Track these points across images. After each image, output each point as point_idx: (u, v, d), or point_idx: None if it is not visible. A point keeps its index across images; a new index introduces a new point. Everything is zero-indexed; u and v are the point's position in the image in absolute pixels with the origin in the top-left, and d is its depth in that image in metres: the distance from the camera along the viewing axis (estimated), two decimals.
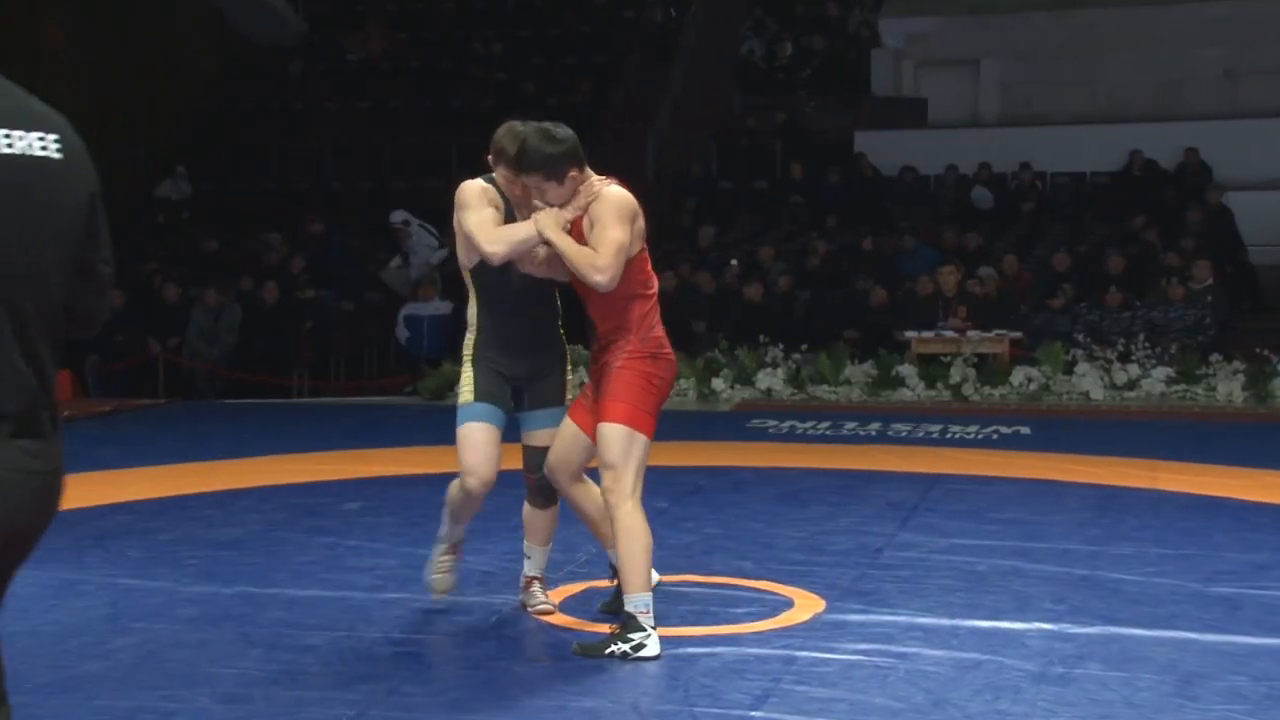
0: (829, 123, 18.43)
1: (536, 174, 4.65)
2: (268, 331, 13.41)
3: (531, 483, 4.98)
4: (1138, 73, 18.04)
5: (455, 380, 4.73)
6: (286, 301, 13.86)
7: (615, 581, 4.89)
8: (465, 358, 4.86)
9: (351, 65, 20.35)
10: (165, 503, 7.45)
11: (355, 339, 14.36)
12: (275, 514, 7.11)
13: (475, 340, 4.84)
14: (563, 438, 4.87)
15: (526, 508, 5.06)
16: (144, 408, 11.97)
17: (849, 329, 12.93)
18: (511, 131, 4.78)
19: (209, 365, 13.16)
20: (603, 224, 4.64)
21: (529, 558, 5.14)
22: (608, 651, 4.54)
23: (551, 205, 4.68)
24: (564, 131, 4.69)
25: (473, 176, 4.93)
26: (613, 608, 4.91)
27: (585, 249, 4.62)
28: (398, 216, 15.35)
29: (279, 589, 5.58)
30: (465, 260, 4.86)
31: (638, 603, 4.58)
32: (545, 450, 4.86)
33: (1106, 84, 18.20)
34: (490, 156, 4.84)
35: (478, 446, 4.76)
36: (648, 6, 20.10)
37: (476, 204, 4.76)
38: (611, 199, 4.68)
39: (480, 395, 4.77)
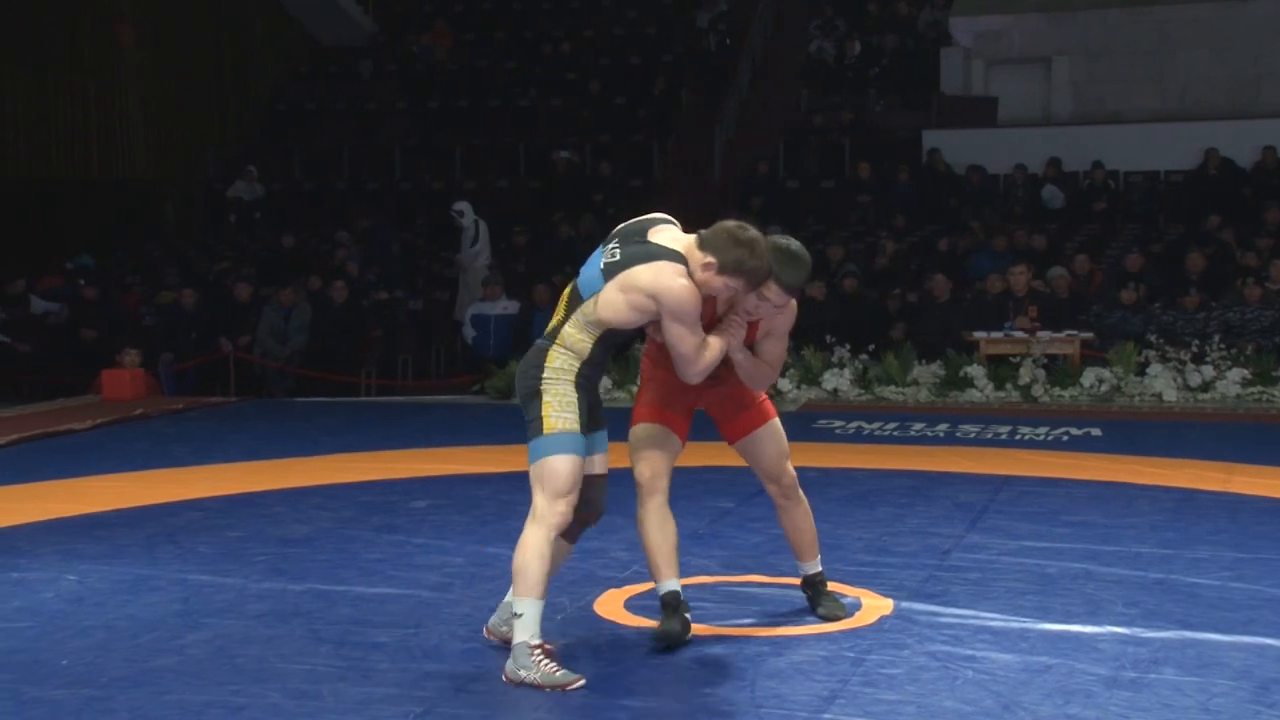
0: (897, 122, 18.31)
1: (795, 295, 4.60)
2: (337, 330, 13.52)
3: (590, 518, 4.66)
4: (1213, 70, 17.77)
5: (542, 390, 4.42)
6: (355, 300, 13.96)
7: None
8: (567, 380, 4.41)
9: (420, 65, 20.48)
10: (235, 500, 7.53)
11: (423, 338, 14.45)
12: (344, 511, 7.17)
13: (580, 370, 4.44)
14: (770, 440, 4.87)
15: (564, 520, 4.44)
16: (215, 406, 12.11)
17: (917, 330, 12.81)
18: (789, 255, 4.51)
19: (279, 364, 13.29)
20: (779, 337, 4.74)
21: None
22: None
23: (752, 315, 4.58)
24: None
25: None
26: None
27: (760, 364, 4.70)
28: (458, 206, 15.50)
29: (347, 586, 5.62)
30: (615, 323, 4.41)
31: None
32: (604, 478, 4.60)
33: (1180, 81, 17.94)
34: (720, 262, 4.37)
35: (576, 476, 4.39)
36: (714, 9, 20.05)
37: (696, 321, 4.41)
38: (793, 313, 4.75)
39: (583, 429, 4.41)
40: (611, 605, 5.29)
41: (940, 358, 12.05)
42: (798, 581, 5.17)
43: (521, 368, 4.51)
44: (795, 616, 5.11)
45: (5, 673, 4.56)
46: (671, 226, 4.52)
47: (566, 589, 5.45)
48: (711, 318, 4.57)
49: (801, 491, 5.01)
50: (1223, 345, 11.87)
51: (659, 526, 4.67)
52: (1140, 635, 4.84)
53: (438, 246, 16.50)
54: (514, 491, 7.56)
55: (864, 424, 10.36)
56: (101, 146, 18.26)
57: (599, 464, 4.57)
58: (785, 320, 4.70)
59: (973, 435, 9.78)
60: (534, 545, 4.34)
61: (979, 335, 12.14)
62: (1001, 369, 11.82)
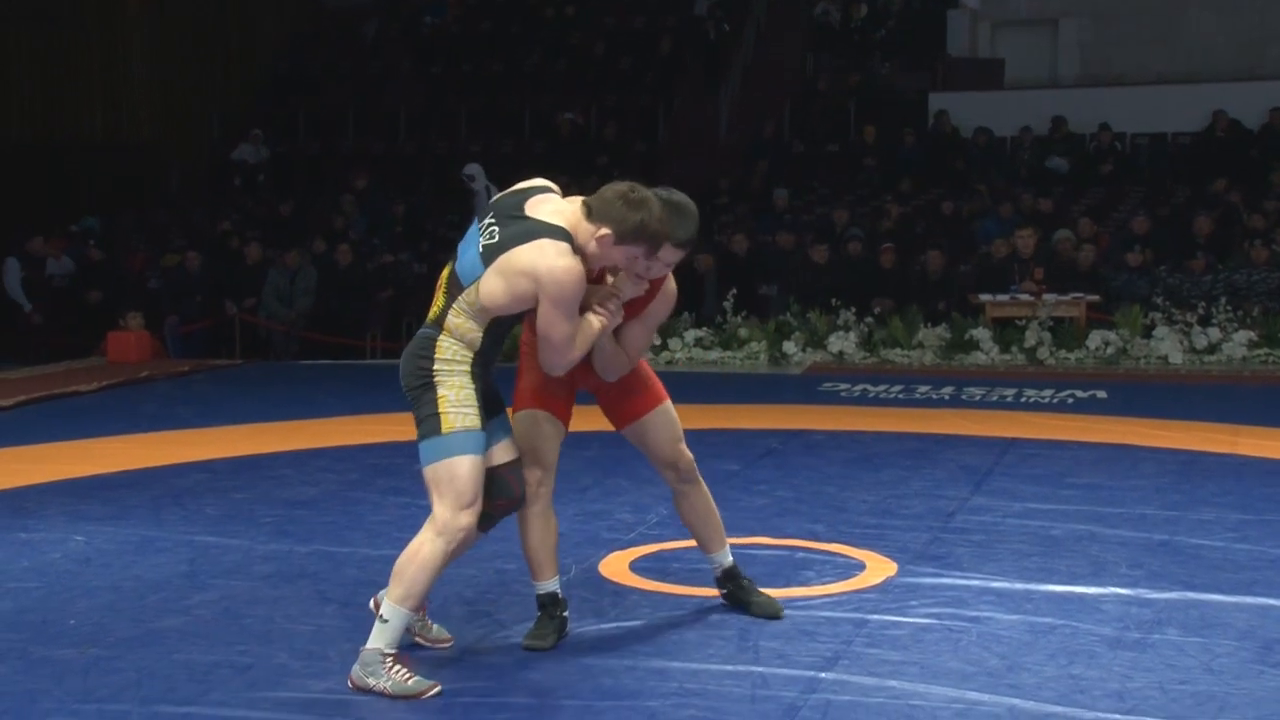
0: (904, 84, 18.22)
1: (686, 251, 4.20)
2: (342, 293, 13.52)
3: (511, 505, 4.26)
4: (1220, 31, 17.67)
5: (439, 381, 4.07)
6: (360, 263, 13.95)
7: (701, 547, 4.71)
8: (462, 372, 4.04)
9: (424, 28, 20.38)
10: (241, 462, 7.55)
11: (428, 301, 14.42)
12: (350, 474, 7.18)
13: (474, 360, 4.06)
14: (661, 426, 4.48)
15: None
16: (221, 368, 12.12)
17: (919, 296, 12.78)
18: (678, 210, 4.14)
19: (285, 327, 13.29)
20: (649, 326, 4.37)
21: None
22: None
23: (642, 280, 4.17)
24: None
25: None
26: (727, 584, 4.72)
27: (619, 353, 4.32)
28: (469, 169, 15.43)
29: (354, 548, 5.64)
30: (501, 311, 4.02)
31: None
32: (516, 462, 4.22)
33: (1188, 43, 17.84)
34: (617, 231, 3.98)
35: (479, 481, 4.05)
36: None
37: (574, 306, 3.98)
38: (671, 299, 4.39)
39: (483, 424, 4.05)
40: (616, 567, 5.31)
41: (946, 321, 12.04)
42: (804, 544, 5.14)
43: (407, 356, 4.12)
44: (800, 578, 5.13)
45: (14, 632, 4.58)
46: (551, 195, 4.10)
47: (571, 551, 5.46)
48: (599, 279, 4.19)
49: (699, 475, 4.61)
50: (1229, 307, 11.85)
51: (541, 530, 4.35)
52: (1144, 596, 4.85)
53: (443, 210, 16.46)
54: None
55: (869, 387, 10.36)
56: (106, 110, 18.22)
57: (504, 451, 4.17)
58: (663, 306, 4.35)
59: (978, 398, 9.78)
60: (427, 557, 3.99)
61: (984, 298, 12.12)
62: (1007, 332, 11.81)
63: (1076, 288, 12.09)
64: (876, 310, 12.32)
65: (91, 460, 7.58)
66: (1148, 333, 11.72)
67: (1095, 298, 12.10)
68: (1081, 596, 4.86)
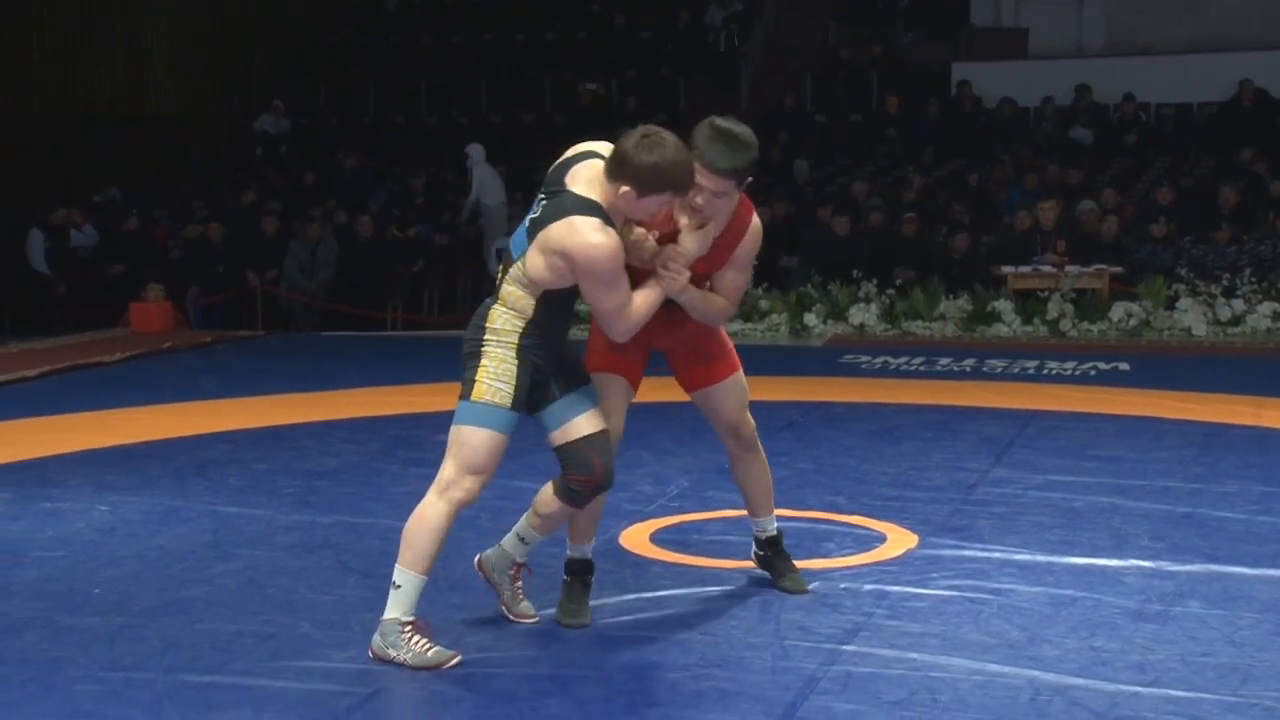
0: (926, 54, 18.11)
1: (731, 180, 4.03)
2: (363, 265, 13.53)
3: (592, 484, 4.12)
4: None
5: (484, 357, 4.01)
6: (381, 235, 13.96)
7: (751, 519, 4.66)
8: (509, 345, 3.98)
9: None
10: (263, 433, 7.58)
11: (449, 273, 14.44)
12: (371, 445, 7.21)
13: (525, 331, 3.99)
14: (732, 393, 4.44)
15: (562, 504, 4.17)
16: (243, 339, 12.16)
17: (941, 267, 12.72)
18: (721, 136, 4.04)
19: (306, 298, 13.32)
20: (740, 267, 4.24)
21: (524, 540, 4.32)
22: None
23: (708, 221, 4.05)
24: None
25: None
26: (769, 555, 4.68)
27: (712, 299, 4.21)
28: (470, 148, 15.35)
29: (375, 519, 5.66)
30: (548, 286, 3.95)
31: None
32: (601, 435, 4.11)
33: (1214, 12, 17.66)
34: (637, 185, 3.85)
35: (494, 455, 4.03)
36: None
37: (616, 279, 3.90)
38: (758, 236, 4.26)
39: (516, 405, 4.00)
40: (637, 538, 5.32)
41: (968, 292, 12.00)
42: (825, 516, 5.14)
43: (470, 325, 4.08)
44: (821, 550, 5.13)
45: (40, 601, 4.62)
46: (591, 162, 3.98)
47: None
48: (667, 228, 4.09)
49: (759, 444, 4.60)
50: (1253, 279, 11.77)
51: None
52: (1166, 569, 4.84)
53: (464, 181, 16.45)
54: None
55: (890, 359, 10.33)
56: (128, 81, 18.24)
57: (588, 422, 4.08)
58: (752, 243, 4.24)
59: (1000, 370, 9.75)
60: (433, 519, 3.99)
61: (1007, 270, 12.07)
62: (1029, 303, 11.76)
63: (1099, 259, 12.02)
64: (898, 282, 12.28)
65: (115, 431, 7.62)
66: (1171, 304, 11.66)
67: (1118, 269, 12.03)
68: (1103, 569, 4.86)
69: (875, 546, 5.17)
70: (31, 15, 17.02)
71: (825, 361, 10.46)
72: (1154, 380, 9.15)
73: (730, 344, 4.51)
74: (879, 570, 4.87)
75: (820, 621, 4.30)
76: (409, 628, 3.98)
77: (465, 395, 4.02)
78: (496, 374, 3.98)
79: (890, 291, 12.18)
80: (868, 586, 4.67)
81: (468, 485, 4.01)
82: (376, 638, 4.02)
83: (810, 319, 11.99)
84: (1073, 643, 4.11)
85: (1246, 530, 5.36)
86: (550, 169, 4.06)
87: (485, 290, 14.08)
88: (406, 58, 19.46)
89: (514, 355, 3.98)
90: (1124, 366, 9.83)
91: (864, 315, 11.93)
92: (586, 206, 3.88)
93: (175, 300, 13.05)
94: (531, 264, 3.93)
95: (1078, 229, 12.41)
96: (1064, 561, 4.94)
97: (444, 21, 19.94)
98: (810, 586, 4.62)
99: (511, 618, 4.36)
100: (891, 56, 17.98)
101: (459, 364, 4.08)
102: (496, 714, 3.66)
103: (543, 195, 3.97)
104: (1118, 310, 11.59)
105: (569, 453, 4.08)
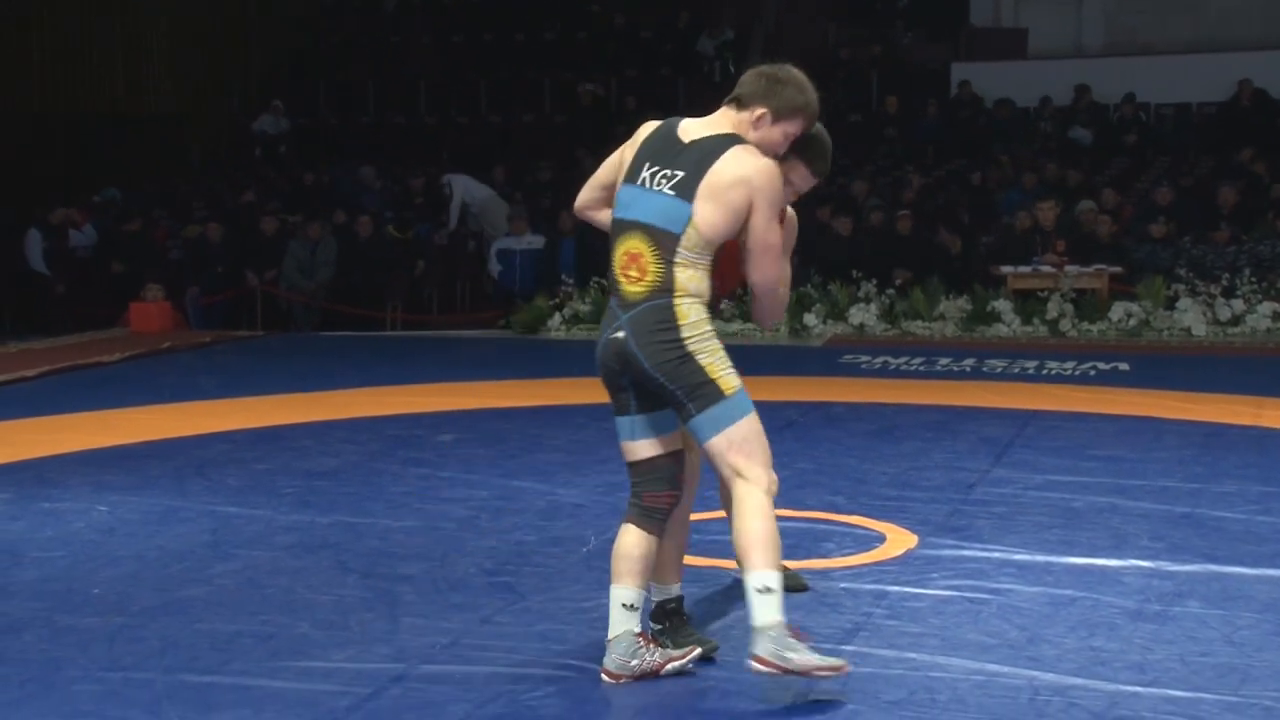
0: (926, 54, 18.11)
1: (814, 178, 4.19)
2: (362, 265, 13.53)
3: (667, 501, 3.95)
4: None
5: (704, 353, 3.79)
6: (380, 235, 13.96)
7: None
8: (711, 334, 3.80)
9: None
10: (263, 433, 7.57)
11: (449, 273, 14.45)
12: (371, 445, 7.20)
13: (709, 318, 3.83)
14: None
15: (647, 542, 3.94)
16: (242, 339, 12.16)
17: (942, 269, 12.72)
18: (816, 138, 4.11)
19: (305, 298, 13.32)
20: (785, 255, 4.13)
21: (632, 608, 3.91)
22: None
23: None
24: None
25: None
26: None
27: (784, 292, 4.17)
28: (447, 179, 15.27)
29: (374, 519, 5.66)
30: (724, 236, 3.82)
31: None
32: (682, 455, 3.97)
33: (1213, 12, 17.67)
34: (774, 107, 3.88)
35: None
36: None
37: (779, 212, 3.92)
38: (794, 229, 4.38)
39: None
40: None
41: (967, 292, 12.00)
42: (825, 516, 5.12)
43: (641, 336, 3.76)
44: (820, 550, 5.13)
45: (39, 601, 4.62)
46: (687, 120, 3.91)
47: (592, 523, 5.48)
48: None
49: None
50: (1253, 279, 11.77)
51: (678, 524, 4.11)
52: (1165, 569, 4.84)
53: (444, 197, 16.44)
54: (540, 426, 7.60)
55: (890, 359, 10.33)
56: (128, 81, 18.23)
57: (675, 440, 3.93)
58: (790, 236, 4.24)
59: (999, 370, 9.75)
60: (766, 510, 3.74)
61: (1006, 270, 12.07)
62: (1029, 303, 11.76)
63: (1099, 259, 12.02)
64: (898, 282, 12.28)
65: (114, 431, 7.62)
66: (1170, 304, 11.66)
67: (1118, 269, 12.03)
68: (1102, 569, 4.86)
69: (875, 546, 5.17)
70: (31, 15, 17.02)
71: (825, 361, 10.46)
72: (1153, 380, 9.15)
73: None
74: (878, 570, 4.87)
75: (820, 621, 4.30)
76: (787, 629, 3.68)
77: (716, 397, 3.76)
78: (722, 362, 3.79)
79: (890, 291, 12.18)
80: (867, 586, 4.67)
81: (773, 475, 3.83)
82: (767, 644, 3.63)
83: (810, 319, 11.99)
84: (1072, 643, 4.11)
85: (1245, 530, 5.36)
86: (643, 149, 3.89)
87: (486, 290, 14.21)
88: (406, 58, 19.45)
89: (717, 341, 3.81)
90: (1123, 366, 9.83)
91: (864, 315, 11.93)
92: (734, 139, 3.82)
93: (175, 300, 13.05)
94: (704, 219, 3.75)
95: (1077, 229, 12.41)
96: (1063, 561, 4.94)
97: (444, 21, 19.93)
98: (811, 585, 4.62)
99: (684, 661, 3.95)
100: (891, 56, 17.97)
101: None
102: (495, 714, 3.66)
103: (657, 168, 3.82)
104: (1117, 310, 11.59)
105: (655, 467, 3.91)
